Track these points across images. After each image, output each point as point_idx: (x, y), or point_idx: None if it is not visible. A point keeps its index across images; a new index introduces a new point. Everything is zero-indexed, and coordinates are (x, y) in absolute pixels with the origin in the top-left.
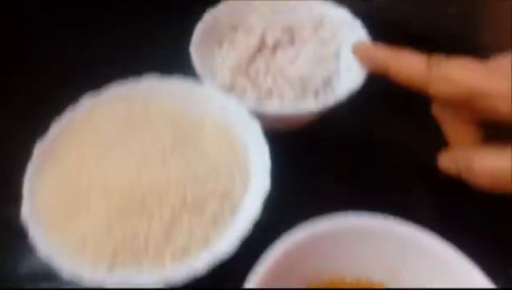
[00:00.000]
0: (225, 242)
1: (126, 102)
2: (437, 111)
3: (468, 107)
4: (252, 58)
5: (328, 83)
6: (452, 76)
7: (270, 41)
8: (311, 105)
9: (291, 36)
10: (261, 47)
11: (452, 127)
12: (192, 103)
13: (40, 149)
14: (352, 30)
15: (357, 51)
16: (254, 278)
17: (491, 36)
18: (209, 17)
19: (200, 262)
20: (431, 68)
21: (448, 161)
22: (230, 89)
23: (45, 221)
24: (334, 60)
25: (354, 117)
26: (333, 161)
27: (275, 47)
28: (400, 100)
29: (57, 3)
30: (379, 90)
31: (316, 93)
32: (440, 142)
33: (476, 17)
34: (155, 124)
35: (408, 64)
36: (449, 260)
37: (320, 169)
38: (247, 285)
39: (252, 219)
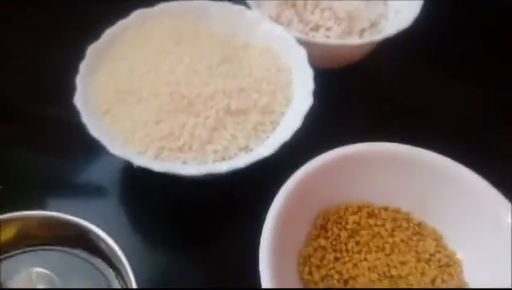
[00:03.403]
0: (265, 148)
1: (177, 19)
2: None
3: None
4: None
5: (375, 25)
6: None
7: None
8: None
9: None
10: None
11: None
12: (240, 26)
13: (93, 50)
14: None
15: None
16: (282, 195)
17: None
18: None
19: (240, 161)
20: None
21: None
22: (276, 20)
23: (97, 107)
24: (383, 4)
25: (397, 63)
26: (371, 102)
27: None
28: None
29: None
30: (425, 40)
31: (362, 33)
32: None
33: None
34: (204, 41)
35: None
36: (477, 189)
37: (357, 107)
38: (276, 199)
39: (292, 131)
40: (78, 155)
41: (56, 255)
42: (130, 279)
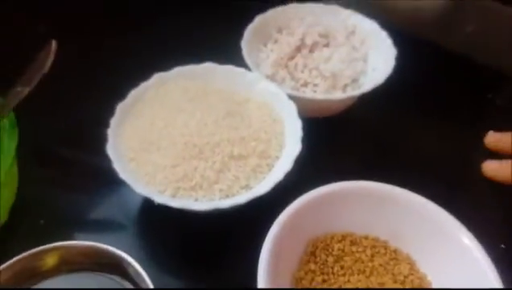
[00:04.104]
0: (262, 186)
1: (190, 80)
2: None
3: None
4: (292, 55)
5: (355, 81)
6: None
7: (308, 42)
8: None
9: (326, 40)
10: (300, 47)
11: None
12: (242, 84)
13: (121, 108)
14: (379, 39)
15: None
16: (276, 226)
17: None
18: (259, 20)
19: (242, 197)
20: None
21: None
22: (271, 78)
23: (124, 155)
24: (362, 63)
25: (377, 112)
26: (354, 146)
27: (313, 48)
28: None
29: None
30: (401, 91)
31: (345, 88)
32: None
33: None
34: (212, 99)
35: None
36: (441, 221)
37: (342, 151)
38: (271, 229)
39: (284, 172)
40: (107, 194)
41: (91, 279)
42: None
